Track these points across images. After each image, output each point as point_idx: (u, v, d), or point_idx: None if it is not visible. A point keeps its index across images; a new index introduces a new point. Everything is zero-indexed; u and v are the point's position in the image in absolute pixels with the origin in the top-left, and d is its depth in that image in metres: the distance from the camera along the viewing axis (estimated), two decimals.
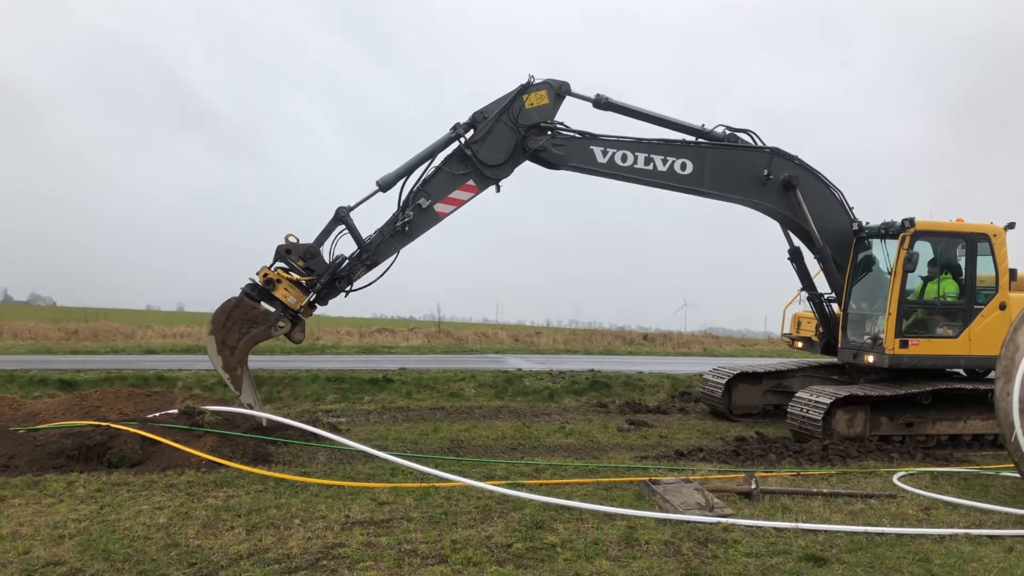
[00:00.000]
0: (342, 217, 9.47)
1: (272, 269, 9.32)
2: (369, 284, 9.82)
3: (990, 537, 6.33)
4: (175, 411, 8.99)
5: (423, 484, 7.31)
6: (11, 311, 43.35)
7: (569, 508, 6.62)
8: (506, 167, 9.93)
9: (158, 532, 5.73)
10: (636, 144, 10.39)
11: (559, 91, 10.04)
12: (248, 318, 9.18)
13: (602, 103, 10.54)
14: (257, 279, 9.26)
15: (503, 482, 7.43)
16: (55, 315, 32.66)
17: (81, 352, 19.21)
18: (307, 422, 9.87)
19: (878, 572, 5.42)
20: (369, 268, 9.67)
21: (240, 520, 6.07)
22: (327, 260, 9.48)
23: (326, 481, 7.33)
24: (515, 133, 9.84)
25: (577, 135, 10.19)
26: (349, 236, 9.57)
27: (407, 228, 9.61)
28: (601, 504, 6.75)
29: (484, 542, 5.71)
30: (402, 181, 9.62)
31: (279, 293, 9.24)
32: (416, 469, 7.73)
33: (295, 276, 9.39)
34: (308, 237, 9.53)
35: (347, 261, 9.55)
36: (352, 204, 9.53)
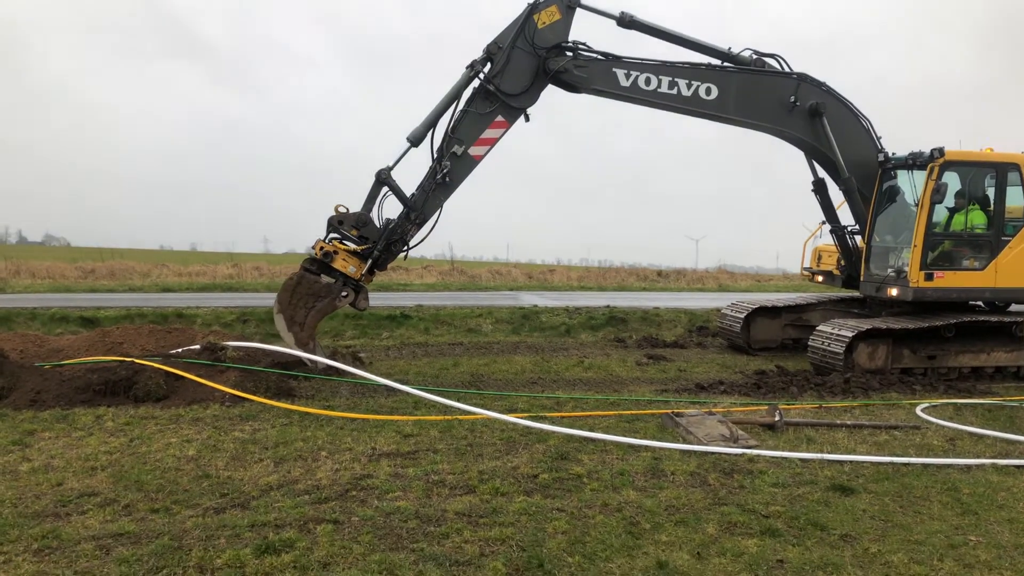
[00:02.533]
0: (384, 179, 9.40)
1: (327, 241, 9.36)
2: (421, 241, 9.81)
3: (1017, 467, 6.31)
4: (197, 347, 9.05)
5: (447, 417, 7.34)
6: (27, 251, 43.62)
7: (593, 440, 6.64)
8: (531, 94, 9.66)
9: (188, 464, 5.79)
10: (660, 67, 10.05)
11: (569, 3, 9.67)
12: (312, 293, 9.27)
13: (626, 21, 10.11)
14: (314, 252, 9.29)
15: (526, 415, 7.46)
16: (71, 255, 32.86)
17: (99, 290, 19.32)
18: (327, 356, 9.94)
19: (906, 501, 5.42)
20: (420, 226, 9.63)
21: (268, 452, 6.12)
22: (378, 225, 9.47)
23: (351, 415, 7.37)
24: (534, 57, 9.53)
25: (600, 57, 9.86)
26: (394, 197, 9.52)
27: (447, 179, 9.48)
28: (624, 436, 6.77)
29: (511, 473, 5.73)
30: (431, 132, 9.44)
31: (338, 264, 9.29)
32: (439, 402, 7.75)
33: (351, 246, 9.43)
34: (338, 196, 9.40)
35: (396, 223, 9.49)
36: (391, 164, 9.42)
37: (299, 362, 9.35)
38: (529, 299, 18.52)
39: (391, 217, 9.54)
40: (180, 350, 9.02)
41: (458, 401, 7.83)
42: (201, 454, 6.04)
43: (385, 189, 9.46)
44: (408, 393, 8.14)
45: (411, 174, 9.66)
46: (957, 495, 5.57)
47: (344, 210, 9.43)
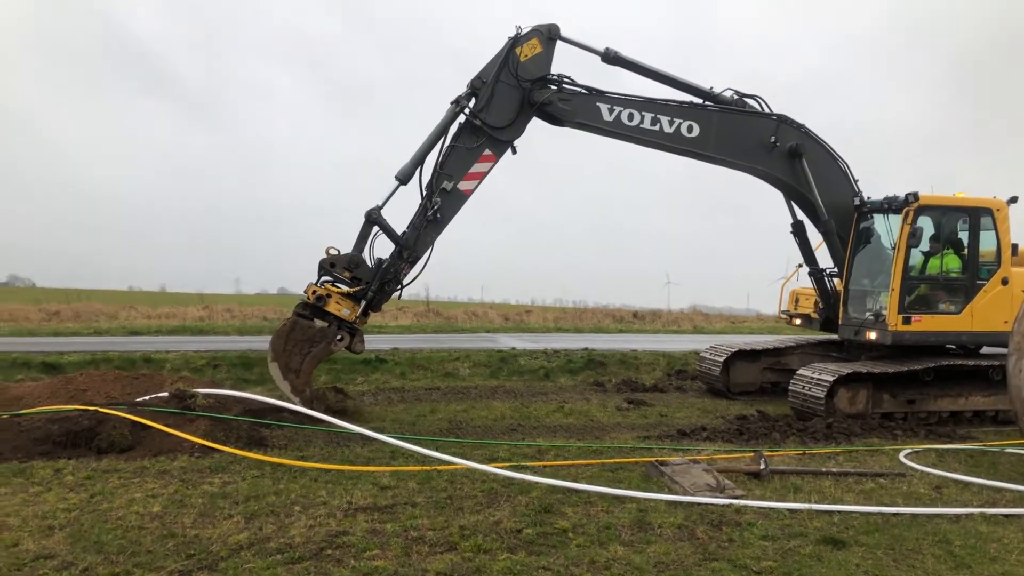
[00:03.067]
0: (375, 219, 9.37)
1: (319, 284, 9.26)
2: (414, 279, 9.78)
3: (1006, 516, 6.23)
4: (165, 394, 8.71)
5: (425, 467, 7.09)
6: None
7: (577, 491, 6.45)
8: (517, 126, 9.79)
9: (153, 521, 5.49)
10: (644, 103, 10.23)
11: (550, 35, 9.84)
12: (306, 338, 9.17)
13: (611, 57, 10.33)
14: (307, 297, 9.19)
15: (507, 464, 7.25)
16: (35, 296, 32.07)
17: (63, 334, 18.77)
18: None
19: (899, 554, 5.29)
20: (412, 264, 9.63)
21: (238, 507, 5.84)
22: (370, 265, 9.44)
23: (325, 466, 7.09)
24: (518, 90, 9.68)
25: (584, 90, 10.02)
26: (384, 237, 9.52)
27: (439, 215, 9.52)
28: (609, 486, 6.58)
29: (493, 528, 5.52)
30: (419, 169, 9.48)
31: (331, 308, 9.20)
32: (417, 452, 7.51)
33: (344, 288, 9.34)
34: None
35: (389, 262, 9.48)
36: (380, 203, 9.39)
37: (272, 409, 9.07)
38: (506, 341, 18.35)
39: (383, 257, 9.49)
40: (147, 398, 8.69)
41: (436, 450, 7.58)
42: (167, 510, 5.74)
43: (376, 228, 9.41)
44: (385, 442, 7.89)
45: (398, 213, 9.66)
46: (949, 547, 5.45)
47: (335, 252, 9.35)
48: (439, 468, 7.07)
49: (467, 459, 7.28)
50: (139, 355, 13.85)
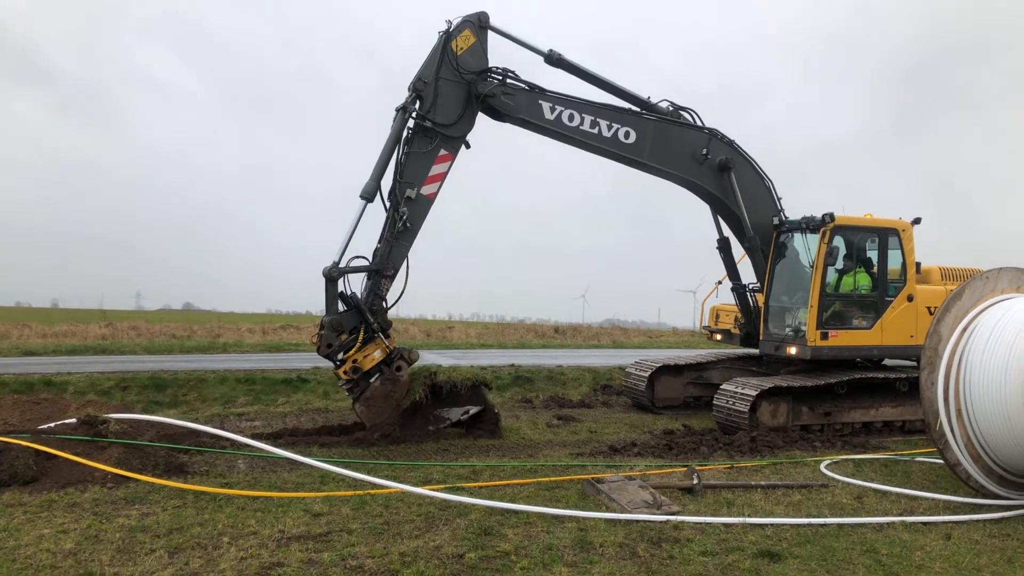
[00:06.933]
0: (336, 276, 9.17)
1: (340, 363, 9.31)
2: (401, 295, 9.84)
3: (924, 524, 6.51)
4: (72, 420, 8.14)
5: (358, 492, 6.86)
6: None
7: (516, 512, 6.37)
8: (466, 120, 9.84)
9: (66, 560, 5.07)
10: (584, 105, 10.41)
11: (480, 24, 9.93)
12: (381, 396, 9.50)
13: (554, 59, 10.47)
14: (344, 378, 9.34)
15: (442, 486, 7.11)
16: None
17: None
18: (216, 426, 9.33)
19: (832, 565, 5.44)
20: (392, 278, 9.60)
21: (160, 541, 5.47)
22: (344, 308, 9.41)
23: (252, 492, 6.76)
24: (462, 84, 9.73)
25: (526, 87, 10.11)
26: (358, 275, 9.53)
27: (408, 224, 9.50)
28: (547, 506, 6.54)
29: (434, 553, 5.37)
30: (380, 182, 9.40)
31: (367, 365, 9.38)
32: (349, 476, 7.26)
33: (357, 345, 9.32)
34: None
35: (365, 287, 9.51)
36: (336, 259, 9.15)
37: (189, 433, 8.62)
38: (431, 358, 18.08)
39: (352, 291, 9.40)
40: (52, 424, 8.09)
41: (368, 473, 7.36)
42: (81, 547, 5.32)
43: (341, 281, 9.30)
44: (313, 466, 7.59)
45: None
46: (877, 556, 5.65)
47: (319, 334, 9.21)
48: (372, 492, 6.86)
49: (401, 482, 7.10)
50: (38, 377, 12.96)
